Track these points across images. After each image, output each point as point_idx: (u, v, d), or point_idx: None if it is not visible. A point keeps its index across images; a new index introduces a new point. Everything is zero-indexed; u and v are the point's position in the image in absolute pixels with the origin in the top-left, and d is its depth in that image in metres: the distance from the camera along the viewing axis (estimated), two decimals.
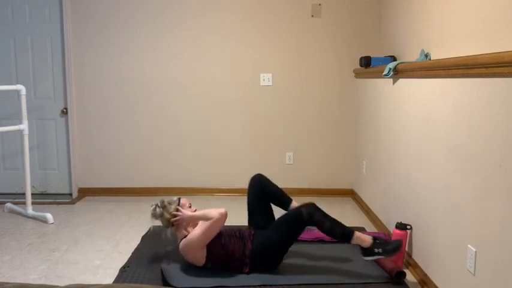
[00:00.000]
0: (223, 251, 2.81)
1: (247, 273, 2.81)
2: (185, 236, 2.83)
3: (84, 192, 4.75)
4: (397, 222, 2.98)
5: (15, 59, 4.60)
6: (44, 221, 3.90)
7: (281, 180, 4.69)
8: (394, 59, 3.64)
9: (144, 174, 4.75)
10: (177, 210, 2.88)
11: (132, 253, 3.20)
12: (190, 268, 2.86)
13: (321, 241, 3.33)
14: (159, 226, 3.05)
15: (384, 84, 3.66)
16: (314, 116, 4.68)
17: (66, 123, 4.66)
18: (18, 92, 4.01)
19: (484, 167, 2.05)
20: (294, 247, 3.03)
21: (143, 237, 3.49)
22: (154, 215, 2.92)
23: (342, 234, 2.80)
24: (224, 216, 2.76)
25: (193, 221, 2.89)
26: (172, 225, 2.90)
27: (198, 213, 2.88)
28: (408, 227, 2.94)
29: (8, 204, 4.21)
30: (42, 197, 4.65)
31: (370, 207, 4.05)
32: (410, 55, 3.31)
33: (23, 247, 3.36)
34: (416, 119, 2.93)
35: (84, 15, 4.54)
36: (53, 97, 4.65)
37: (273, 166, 4.73)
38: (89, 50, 4.59)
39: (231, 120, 4.69)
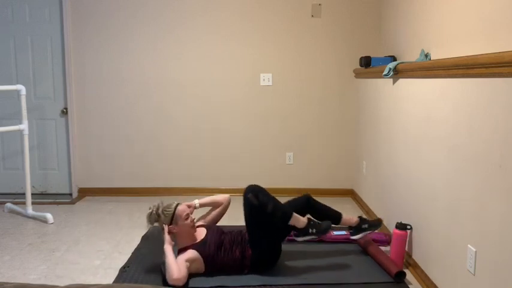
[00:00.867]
0: (221, 257, 2.79)
1: (247, 273, 2.81)
2: (180, 251, 2.80)
3: (84, 192, 4.76)
4: (397, 222, 2.98)
5: (15, 59, 4.60)
6: (44, 221, 3.90)
7: (281, 180, 4.74)
8: (394, 59, 3.64)
9: (144, 174, 4.75)
10: (172, 219, 2.79)
11: (132, 253, 3.20)
12: None
13: (321, 241, 3.33)
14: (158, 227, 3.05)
15: (384, 84, 3.66)
16: (314, 116, 4.68)
17: (66, 123, 4.66)
18: (18, 92, 4.01)
19: (484, 167, 2.05)
20: (294, 247, 3.03)
21: (143, 238, 3.49)
22: (150, 221, 2.86)
23: (282, 215, 2.78)
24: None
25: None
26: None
27: (167, 254, 2.66)
28: (408, 227, 2.94)
29: (8, 204, 4.22)
30: (42, 197, 4.65)
31: (370, 207, 4.05)
32: (410, 55, 3.31)
33: (23, 247, 3.36)
34: (416, 119, 2.93)
35: (84, 15, 4.54)
36: (53, 97, 4.65)
37: (273, 166, 4.74)
38: (89, 50, 4.59)
39: (231, 120, 4.69)
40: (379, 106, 3.80)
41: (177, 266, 2.61)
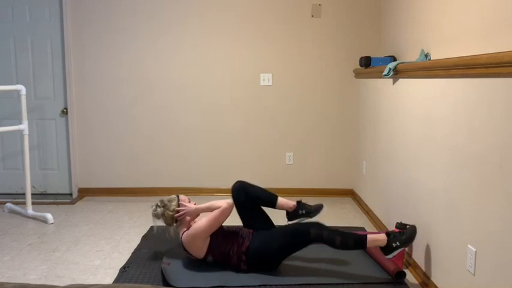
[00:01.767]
0: (224, 244, 2.84)
1: (245, 271, 2.81)
2: (188, 229, 2.87)
3: (84, 192, 4.76)
4: (397, 222, 2.98)
5: (15, 59, 4.60)
6: (44, 221, 3.90)
7: (281, 180, 4.74)
8: (394, 59, 3.64)
9: (144, 175, 4.75)
10: (179, 206, 2.94)
11: (132, 253, 3.20)
12: (190, 268, 2.86)
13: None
14: (161, 226, 3.06)
15: (384, 84, 3.66)
16: (314, 116, 4.68)
17: (66, 123, 4.66)
18: (18, 92, 4.01)
19: (484, 167, 2.05)
20: None
21: (143, 237, 3.50)
22: (156, 215, 2.95)
23: (355, 243, 2.73)
24: (231, 206, 2.86)
25: (199, 212, 2.97)
26: (176, 221, 2.94)
27: (202, 205, 2.93)
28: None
29: (8, 204, 4.22)
30: (42, 197, 4.65)
31: (370, 207, 4.05)
32: (410, 55, 3.31)
33: (23, 247, 3.36)
34: (416, 119, 2.93)
35: (84, 15, 4.54)
36: (53, 97, 4.65)
37: (273, 166, 4.74)
38: (89, 50, 4.59)
39: (231, 120, 4.69)
40: (379, 106, 3.80)
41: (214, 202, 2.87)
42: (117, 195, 4.72)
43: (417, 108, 2.91)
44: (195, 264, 2.90)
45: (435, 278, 2.60)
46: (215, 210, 2.81)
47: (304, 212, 3.07)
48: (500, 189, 1.91)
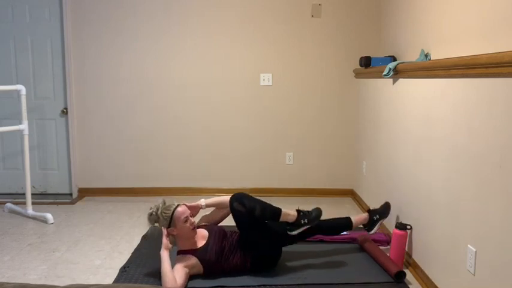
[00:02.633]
0: (223, 267, 2.79)
1: (249, 268, 2.82)
2: (182, 249, 2.79)
3: (84, 192, 4.75)
4: (397, 222, 2.99)
5: (15, 59, 4.60)
6: (44, 221, 3.90)
7: (281, 180, 4.74)
8: (394, 59, 3.64)
9: (144, 174, 4.75)
10: (170, 223, 2.74)
11: (132, 253, 3.20)
12: None
13: (321, 241, 3.33)
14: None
15: (384, 84, 3.66)
16: (314, 116, 4.68)
17: (66, 123, 4.66)
18: (18, 92, 4.01)
19: (484, 167, 2.05)
20: (294, 247, 3.03)
21: (143, 237, 3.49)
22: (150, 221, 2.82)
23: (272, 214, 2.78)
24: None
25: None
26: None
27: (163, 261, 2.63)
28: (408, 227, 2.94)
29: (8, 204, 4.22)
30: (42, 197, 4.65)
31: (370, 207, 4.05)
32: (410, 55, 3.31)
33: (23, 247, 3.36)
34: (416, 119, 2.93)
35: (84, 15, 4.54)
36: (53, 97, 4.65)
37: (273, 166, 4.74)
38: (88, 50, 4.59)
39: (230, 120, 4.69)
40: (379, 106, 3.80)
41: (172, 274, 2.56)
42: (117, 195, 4.72)
43: (417, 108, 2.91)
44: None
45: (435, 278, 2.60)
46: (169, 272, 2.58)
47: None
48: (500, 189, 1.91)
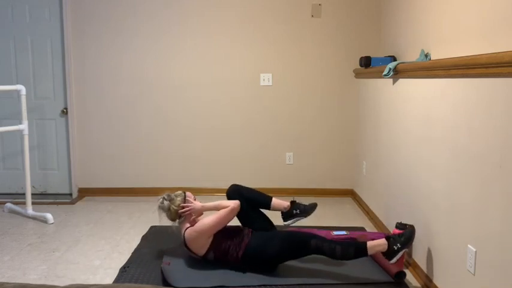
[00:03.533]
0: (225, 241, 2.85)
1: (242, 269, 2.82)
2: (191, 226, 2.88)
3: (84, 192, 4.76)
4: (397, 222, 2.98)
5: (15, 59, 4.60)
6: (44, 221, 3.90)
7: (281, 180, 4.74)
8: (394, 59, 3.64)
9: (144, 175, 4.75)
10: (185, 202, 2.95)
11: (132, 253, 3.20)
12: (190, 268, 2.86)
13: None
14: (163, 226, 3.06)
15: (384, 84, 3.66)
16: (314, 116, 4.68)
17: (66, 123, 4.66)
18: (18, 92, 4.01)
19: (484, 167, 2.05)
20: None
21: (143, 237, 3.50)
22: (162, 208, 2.96)
23: (356, 251, 2.70)
24: (238, 206, 2.90)
25: (205, 211, 2.98)
26: (180, 217, 2.93)
27: (209, 204, 2.97)
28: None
29: (8, 204, 4.22)
30: (42, 197, 4.65)
31: (370, 207, 4.05)
32: (410, 55, 3.31)
33: (23, 247, 3.36)
34: (416, 119, 2.93)
35: (84, 15, 4.54)
36: (53, 97, 4.65)
37: (273, 166, 4.74)
38: (88, 50, 4.59)
39: (231, 120, 4.69)
40: (379, 106, 3.80)
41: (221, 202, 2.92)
42: (117, 195, 4.72)
43: (417, 108, 2.91)
44: (195, 264, 2.90)
45: (435, 278, 2.60)
46: (223, 209, 2.85)
47: (298, 211, 3.09)
48: (500, 189, 1.91)
